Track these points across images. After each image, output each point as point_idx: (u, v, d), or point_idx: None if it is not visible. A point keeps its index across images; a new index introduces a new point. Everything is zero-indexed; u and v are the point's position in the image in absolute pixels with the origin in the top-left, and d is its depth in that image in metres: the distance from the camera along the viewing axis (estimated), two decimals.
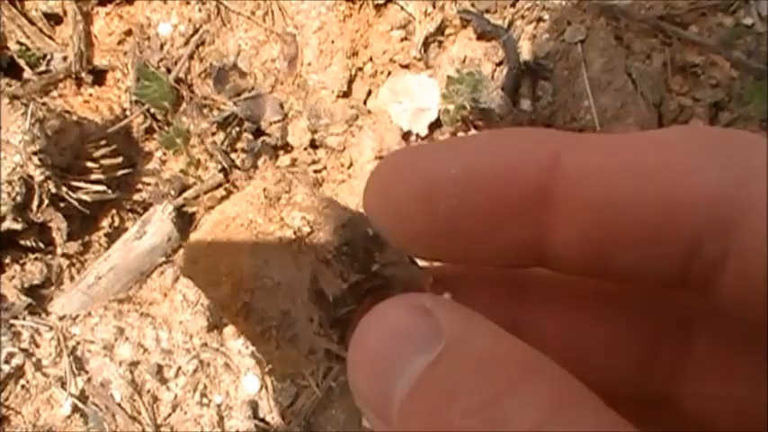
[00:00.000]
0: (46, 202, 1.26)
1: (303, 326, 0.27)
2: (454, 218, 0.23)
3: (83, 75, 1.44)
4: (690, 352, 0.26)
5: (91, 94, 1.44)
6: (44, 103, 1.32)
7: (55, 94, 1.42)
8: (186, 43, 1.41)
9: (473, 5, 1.42)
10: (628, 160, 0.22)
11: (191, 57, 1.41)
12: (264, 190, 0.30)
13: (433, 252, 0.25)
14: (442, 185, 0.23)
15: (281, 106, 1.42)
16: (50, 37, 1.44)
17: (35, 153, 1.25)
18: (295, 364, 0.28)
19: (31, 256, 1.31)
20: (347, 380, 0.24)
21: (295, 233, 0.28)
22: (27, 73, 1.44)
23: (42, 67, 1.44)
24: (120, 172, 1.35)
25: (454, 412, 0.19)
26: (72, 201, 1.27)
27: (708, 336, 0.25)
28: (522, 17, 1.46)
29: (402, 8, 1.41)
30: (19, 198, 1.25)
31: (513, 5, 1.45)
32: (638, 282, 0.23)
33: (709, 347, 0.25)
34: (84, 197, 1.29)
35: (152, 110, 1.42)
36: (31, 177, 1.25)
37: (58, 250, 1.30)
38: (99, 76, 1.46)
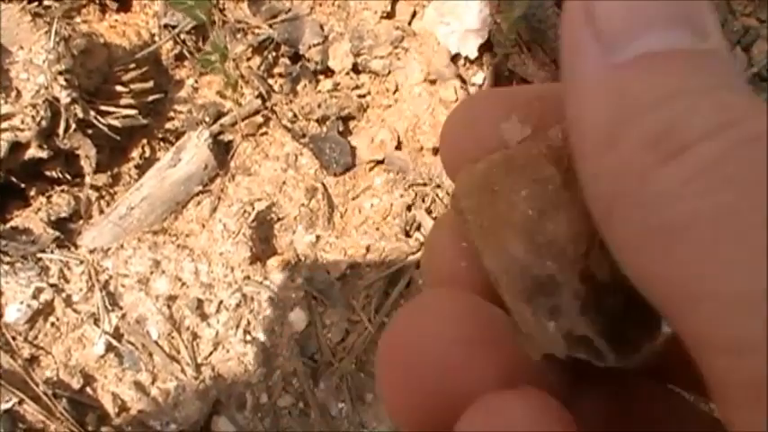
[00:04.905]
0: (73, 126, 1.17)
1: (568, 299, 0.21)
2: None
3: (106, 0, 1.34)
4: None
5: (117, 20, 1.34)
6: (69, 23, 1.22)
7: (78, 20, 1.32)
8: None
9: None
10: None
11: None
12: None
13: None
14: None
15: (321, 28, 1.32)
16: None
17: (60, 73, 1.15)
18: (539, 348, 0.22)
19: (58, 188, 1.22)
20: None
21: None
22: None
23: None
24: (151, 97, 1.25)
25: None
26: (101, 126, 1.18)
27: None
28: None
29: None
30: (44, 123, 1.15)
31: None
32: None
33: None
34: (114, 122, 1.19)
35: (182, 35, 1.32)
36: (57, 100, 1.15)
37: (87, 180, 1.20)
38: (124, 2, 1.36)
